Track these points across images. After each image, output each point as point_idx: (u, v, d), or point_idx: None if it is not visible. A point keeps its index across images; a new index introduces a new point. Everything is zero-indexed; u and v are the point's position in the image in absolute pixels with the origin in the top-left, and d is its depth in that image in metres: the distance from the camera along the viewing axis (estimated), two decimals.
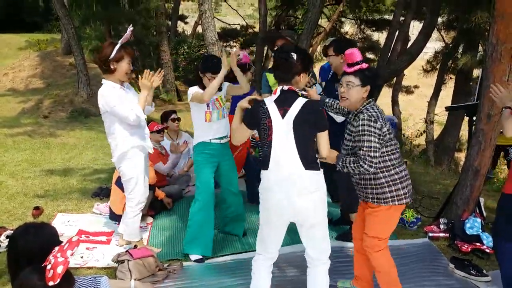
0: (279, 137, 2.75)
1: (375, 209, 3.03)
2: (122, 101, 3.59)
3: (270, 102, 2.80)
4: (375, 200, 3.00)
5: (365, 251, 3.12)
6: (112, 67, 3.61)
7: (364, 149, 2.83)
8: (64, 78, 14.03)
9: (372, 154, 2.82)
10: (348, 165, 2.90)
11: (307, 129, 2.74)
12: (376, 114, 2.89)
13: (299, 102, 2.74)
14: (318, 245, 2.90)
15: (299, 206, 2.75)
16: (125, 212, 3.96)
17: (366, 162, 2.82)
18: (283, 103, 2.76)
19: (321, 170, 2.83)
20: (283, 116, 2.75)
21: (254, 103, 2.93)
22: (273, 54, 2.93)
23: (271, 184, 2.80)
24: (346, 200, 4.34)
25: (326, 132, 2.80)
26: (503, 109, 3.07)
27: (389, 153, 2.96)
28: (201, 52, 14.26)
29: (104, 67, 3.64)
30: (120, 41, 3.63)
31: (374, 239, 3.05)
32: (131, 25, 3.83)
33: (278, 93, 2.79)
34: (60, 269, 1.85)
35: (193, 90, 3.90)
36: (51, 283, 1.84)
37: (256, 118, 2.84)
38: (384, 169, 2.95)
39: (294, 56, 2.78)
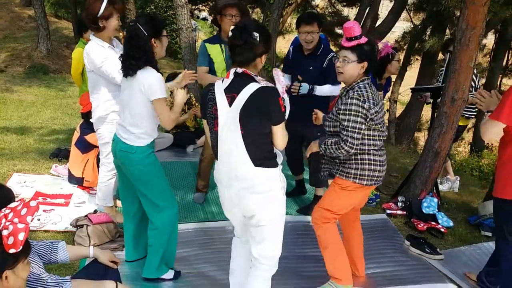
0: (225, 128, 2.43)
1: (336, 181, 3.00)
2: (110, 61, 3.40)
3: (219, 87, 2.47)
4: (338, 172, 2.98)
5: (313, 224, 3.10)
6: (101, 25, 3.41)
7: (349, 129, 2.77)
8: (23, 31, 13.38)
9: (355, 135, 2.77)
10: (329, 146, 2.85)
11: (258, 120, 2.38)
12: (367, 94, 2.80)
13: (250, 88, 2.36)
14: (263, 246, 2.57)
15: (246, 203, 2.48)
16: (99, 176, 3.84)
17: (348, 144, 2.77)
18: (233, 89, 2.41)
19: (277, 167, 2.50)
20: (230, 104, 2.40)
21: (204, 88, 2.61)
22: (230, 33, 2.45)
23: (221, 177, 2.57)
24: (315, 173, 4.36)
25: (282, 124, 2.45)
26: (486, 113, 3.05)
27: (371, 137, 2.87)
28: (168, 13, 13.88)
29: (92, 26, 3.43)
30: None
31: (326, 211, 3.02)
32: None
33: (231, 76, 2.43)
34: (21, 236, 1.77)
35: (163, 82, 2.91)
36: (12, 251, 1.77)
37: (205, 105, 2.55)
38: (359, 151, 2.88)
39: (257, 36, 2.40)
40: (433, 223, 4.23)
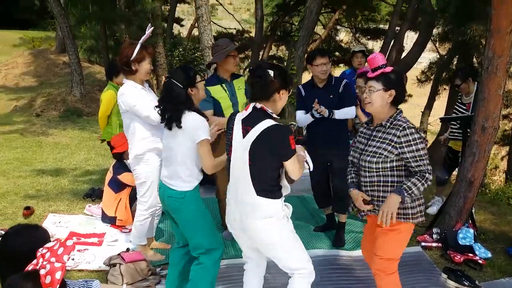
0: (236, 156, 2.66)
1: (395, 227, 2.82)
2: (143, 100, 3.55)
3: (238, 118, 2.69)
4: (402, 217, 2.82)
5: (376, 275, 2.95)
6: (133, 68, 3.58)
7: (424, 157, 2.70)
8: (58, 77, 13.97)
9: (428, 162, 2.73)
10: (414, 189, 2.70)
11: (266, 155, 2.57)
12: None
13: (263, 125, 2.55)
14: (284, 263, 2.77)
15: (249, 229, 2.67)
16: (135, 215, 3.91)
17: (430, 172, 2.72)
18: (249, 122, 2.61)
19: (279, 199, 2.66)
20: (244, 135, 2.62)
21: (229, 116, 2.84)
22: (248, 73, 2.73)
23: (229, 200, 2.78)
24: (339, 200, 4.36)
25: (293, 158, 2.58)
26: None
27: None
28: (196, 54, 14.27)
29: (125, 69, 3.60)
30: (140, 41, 3.58)
31: (390, 261, 2.89)
32: (149, 24, 3.72)
33: (249, 109, 2.65)
34: (58, 275, 1.82)
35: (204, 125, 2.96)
36: None
37: (227, 131, 2.78)
38: None
39: (271, 73, 2.59)
40: (470, 254, 4.09)
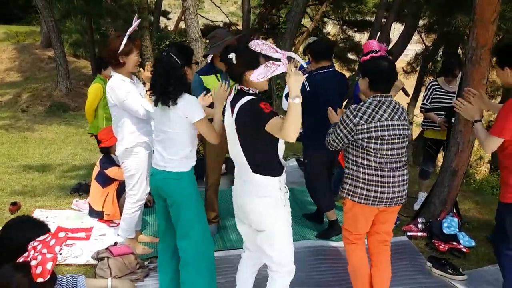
0: (230, 136, 2.73)
1: (344, 201, 3.11)
2: (132, 95, 3.53)
3: (228, 101, 2.77)
4: (340, 188, 3.11)
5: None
6: (121, 60, 3.55)
7: (334, 130, 3.01)
8: (43, 72, 13.82)
9: (333, 138, 3.00)
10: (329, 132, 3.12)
11: (249, 130, 2.61)
12: (365, 109, 2.87)
13: (241, 102, 2.61)
14: (268, 254, 2.73)
15: (247, 208, 2.69)
16: (124, 208, 3.90)
17: (327, 139, 3.08)
18: (234, 102, 2.67)
19: (276, 177, 2.65)
20: (232, 115, 2.68)
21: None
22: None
23: (236, 185, 2.81)
24: (322, 200, 4.39)
25: (275, 119, 2.48)
26: (474, 123, 3.06)
27: (365, 153, 2.92)
28: None
29: (113, 62, 3.57)
30: (127, 33, 3.53)
31: (344, 230, 3.18)
32: (136, 16, 3.68)
33: (233, 91, 2.74)
34: (49, 265, 1.84)
35: (198, 105, 2.95)
36: (40, 280, 1.83)
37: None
38: (354, 166, 2.98)
39: (233, 56, 2.62)
40: (455, 243, 4.17)
